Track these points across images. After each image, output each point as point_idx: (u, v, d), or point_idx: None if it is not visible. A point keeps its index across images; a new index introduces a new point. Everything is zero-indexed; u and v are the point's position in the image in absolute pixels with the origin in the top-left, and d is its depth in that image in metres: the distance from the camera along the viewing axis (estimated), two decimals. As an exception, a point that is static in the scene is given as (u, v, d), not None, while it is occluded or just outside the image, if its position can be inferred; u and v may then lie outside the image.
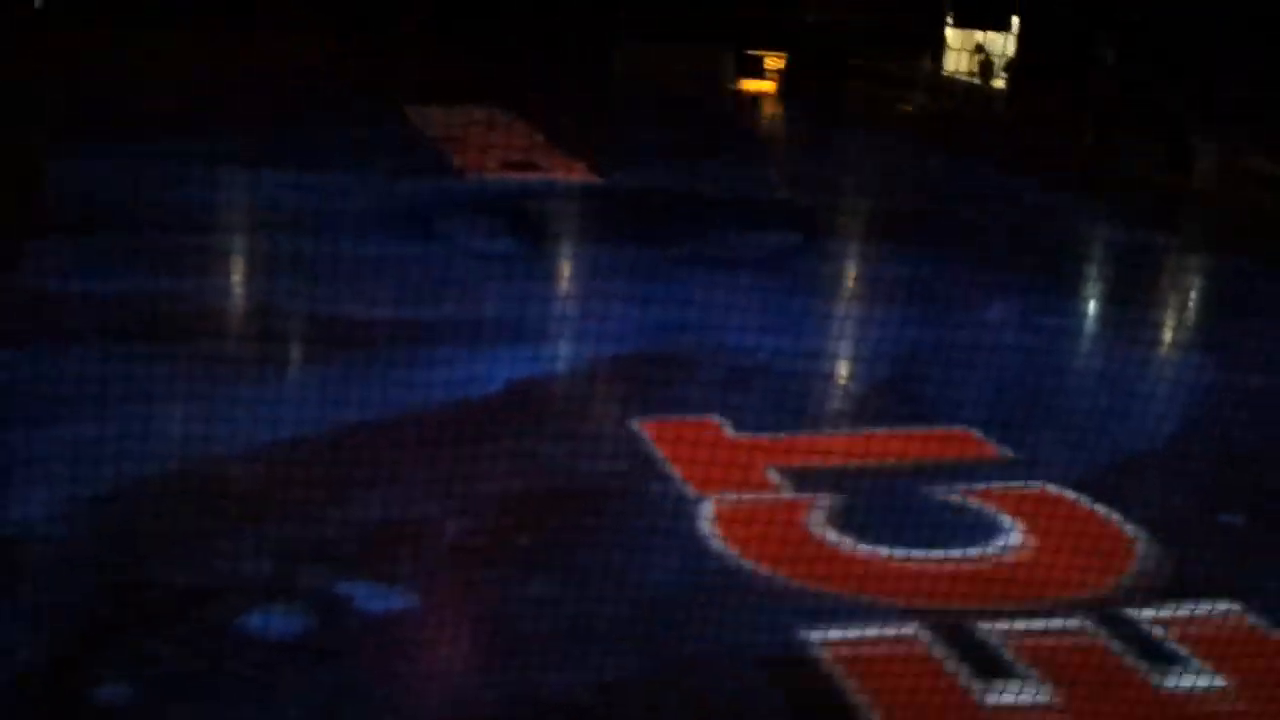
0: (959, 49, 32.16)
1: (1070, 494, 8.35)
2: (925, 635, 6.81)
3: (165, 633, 7.67)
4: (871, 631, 6.87)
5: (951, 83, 32.38)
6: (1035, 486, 8.40)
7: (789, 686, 6.61)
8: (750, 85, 33.34)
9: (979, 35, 32.28)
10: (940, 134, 27.47)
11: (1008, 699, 6.27)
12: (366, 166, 20.50)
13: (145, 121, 23.43)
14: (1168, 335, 13.40)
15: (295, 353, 12.51)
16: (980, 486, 8.44)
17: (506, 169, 22.03)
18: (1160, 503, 8.18)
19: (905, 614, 7.03)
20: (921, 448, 8.85)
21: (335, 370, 11.18)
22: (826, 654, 6.80)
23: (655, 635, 6.75)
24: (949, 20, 33.24)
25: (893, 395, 9.57)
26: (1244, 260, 17.77)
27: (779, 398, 9.19)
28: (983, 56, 31.72)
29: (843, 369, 10.58)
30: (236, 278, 15.29)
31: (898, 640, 6.74)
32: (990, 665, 6.58)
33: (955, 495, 8.28)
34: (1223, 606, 7.00)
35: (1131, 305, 14.32)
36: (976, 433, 9.17)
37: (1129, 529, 8.01)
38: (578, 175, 22.45)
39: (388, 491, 8.81)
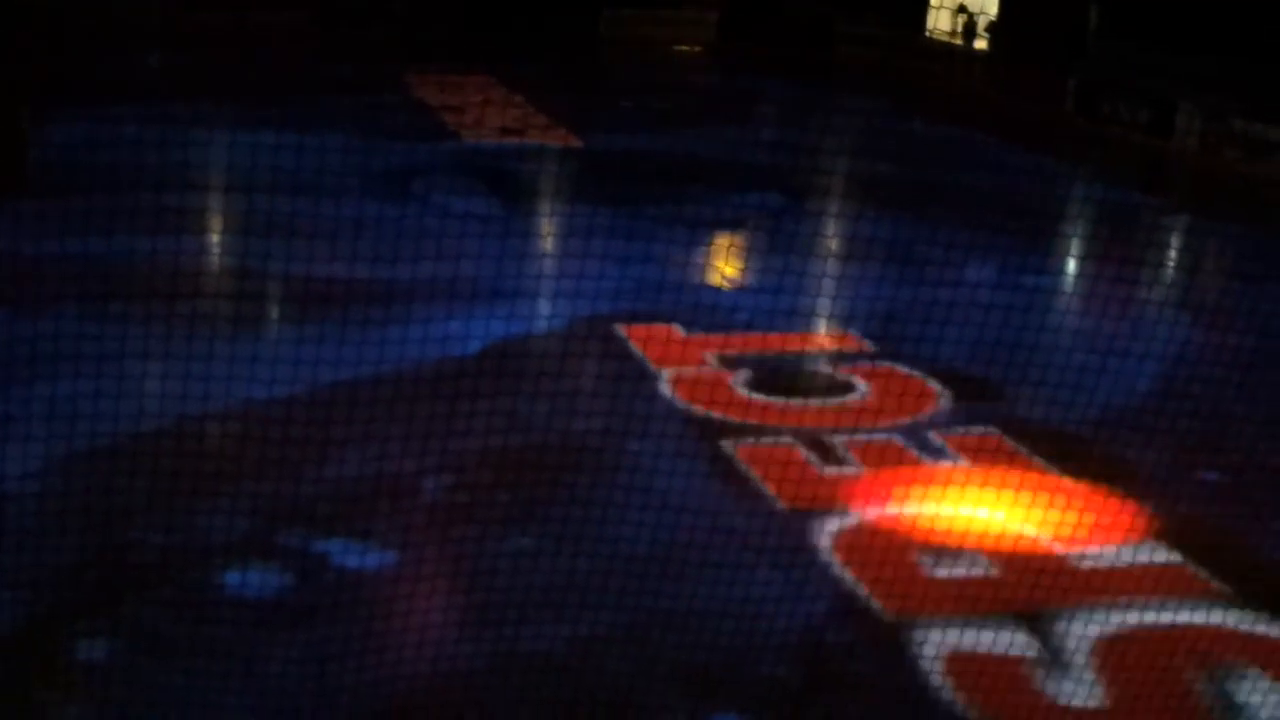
0: (939, 6, 32.10)
1: (904, 368, 11.97)
2: (798, 444, 10.48)
3: (146, 592, 7.76)
4: (766, 440, 10.54)
5: (933, 44, 32.35)
6: (884, 365, 12.10)
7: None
8: (732, 47, 33.30)
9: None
10: (923, 97, 27.49)
11: (835, 471, 10.06)
12: (361, 131, 20.60)
13: (132, 86, 23.38)
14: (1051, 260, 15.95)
15: (275, 312, 12.58)
16: (847, 365, 12.14)
17: (497, 134, 22.06)
18: (961, 369, 11.49)
19: (788, 432, 10.69)
20: (815, 343, 12.64)
21: (316, 329, 11.20)
22: (740, 455, 10.31)
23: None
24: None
25: (804, 311, 12.39)
26: (1219, 220, 17.87)
27: (722, 314, 12.12)
28: (965, 17, 31.68)
29: (774, 298, 11.28)
30: (220, 239, 15.32)
31: (778, 445, 10.46)
32: (831, 456, 10.27)
33: (830, 369, 12.07)
34: (980, 428, 10.97)
35: (1046, 239, 16.22)
36: (855, 334, 12.73)
37: (934, 384, 11.76)
38: (561, 139, 22.54)
39: (366, 450, 8.92)
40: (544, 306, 12.53)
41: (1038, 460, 10.31)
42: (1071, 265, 16.32)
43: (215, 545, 8.20)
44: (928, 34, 32.78)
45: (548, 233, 16.10)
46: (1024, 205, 18.01)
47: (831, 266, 11.40)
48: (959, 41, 31.76)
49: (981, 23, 31.35)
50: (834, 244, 14.10)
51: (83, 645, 7.27)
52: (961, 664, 7.55)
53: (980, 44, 31.28)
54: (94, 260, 11.36)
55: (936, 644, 7.67)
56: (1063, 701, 7.29)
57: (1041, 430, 10.61)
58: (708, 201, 17.44)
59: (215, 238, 15.26)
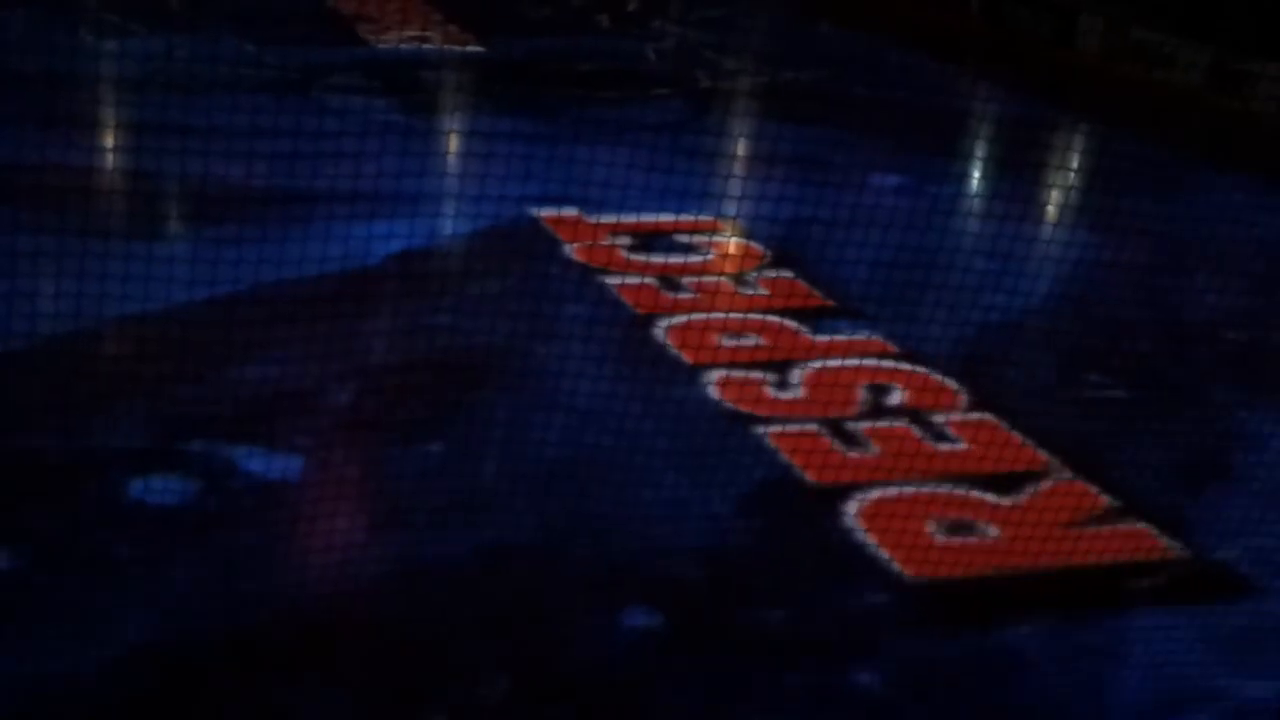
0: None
1: (756, 245, 12.58)
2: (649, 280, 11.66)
3: (46, 500, 7.65)
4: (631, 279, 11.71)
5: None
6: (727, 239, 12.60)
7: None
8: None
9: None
10: (832, 6, 27.41)
11: (674, 295, 11.39)
12: (261, 32, 20.19)
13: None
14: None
15: (175, 217, 12.38)
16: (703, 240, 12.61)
17: (402, 40, 21.83)
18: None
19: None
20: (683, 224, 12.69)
21: (218, 234, 11.05)
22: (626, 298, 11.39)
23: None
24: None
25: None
26: (1121, 131, 18.09)
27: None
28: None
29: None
30: (113, 143, 14.99)
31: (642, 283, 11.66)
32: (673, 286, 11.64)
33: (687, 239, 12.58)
34: (865, 333, 10.93)
35: (942, 149, 16.33)
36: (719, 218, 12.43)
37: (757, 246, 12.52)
38: (468, 44, 22.39)
39: (270, 358, 8.85)
40: (460, 205, 12.68)
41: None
42: (966, 175, 16.47)
43: (117, 453, 8.11)
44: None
45: (455, 135, 15.94)
46: (924, 114, 18.20)
47: (719, 166, 11.86)
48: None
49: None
50: (723, 146, 14.59)
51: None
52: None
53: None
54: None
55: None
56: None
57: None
58: (610, 104, 17.36)
59: (109, 141, 14.92)
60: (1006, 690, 6.92)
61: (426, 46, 21.90)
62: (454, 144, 15.50)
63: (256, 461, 8.19)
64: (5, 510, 7.57)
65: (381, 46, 21.78)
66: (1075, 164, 16.38)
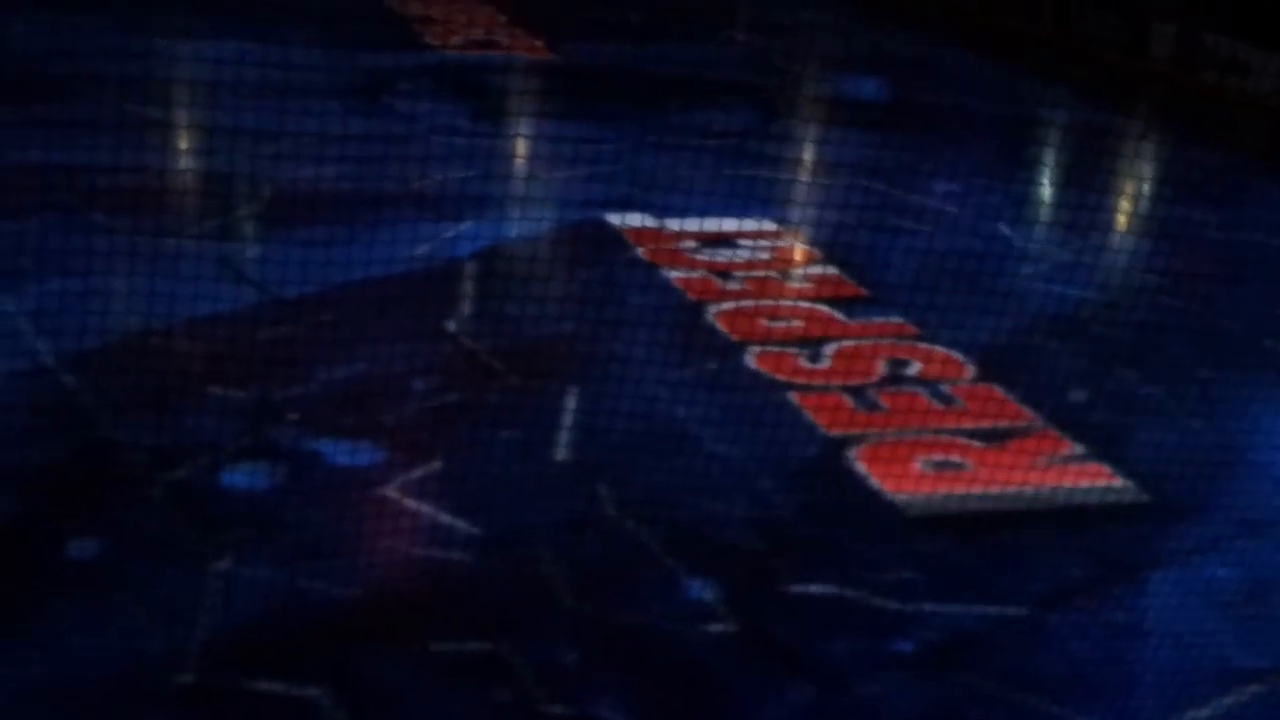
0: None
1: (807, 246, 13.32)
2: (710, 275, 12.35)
3: (135, 490, 7.86)
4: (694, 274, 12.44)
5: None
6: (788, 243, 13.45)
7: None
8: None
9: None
10: (897, 10, 27.40)
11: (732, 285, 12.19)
12: (334, 40, 20.49)
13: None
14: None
15: (260, 219, 12.63)
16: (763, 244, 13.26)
17: (469, 46, 22.02)
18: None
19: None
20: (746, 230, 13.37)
21: (296, 238, 11.30)
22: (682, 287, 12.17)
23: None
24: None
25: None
26: (1194, 141, 18.00)
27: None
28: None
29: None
30: (191, 146, 15.28)
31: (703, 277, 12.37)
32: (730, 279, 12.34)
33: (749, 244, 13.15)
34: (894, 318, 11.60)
35: (1008, 156, 16.73)
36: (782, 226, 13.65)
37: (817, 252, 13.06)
38: (535, 52, 22.54)
39: (353, 352, 9.09)
40: (531, 208, 13.02)
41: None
42: (1021, 181, 16.44)
43: (205, 445, 8.32)
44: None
45: (524, 141, 16.09)
46: (988, 121, 18.23)
47: (782, 172, 13.28)
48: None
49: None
50: (786, 152, 15.50)
51: (73, 544, 7.36)
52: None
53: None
54: (71, 169, 11.39)
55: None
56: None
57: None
58: (677, 111, 17.49)
59: (186, 144, 15.22)
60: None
61: (493, 52, 22.09)
62: (525, 149, 15.67)
63: (341, 452, 8.42)
64: (95, 501, 7.78)
65: (449, 52, 21.99)
66: (1133, 171, 16.36)
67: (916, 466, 9.09)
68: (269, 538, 7.49)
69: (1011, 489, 8.77)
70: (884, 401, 10.11)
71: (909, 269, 10.74)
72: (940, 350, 10.90)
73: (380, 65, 19.72)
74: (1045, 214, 15.59)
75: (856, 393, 10.15)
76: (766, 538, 8.16)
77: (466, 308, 10.99)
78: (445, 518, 7.81)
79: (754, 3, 28.54)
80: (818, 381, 10.38)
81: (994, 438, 9.59)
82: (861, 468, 9.10)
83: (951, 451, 9.36)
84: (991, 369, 10.66)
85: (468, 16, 24.35)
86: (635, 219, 13.02)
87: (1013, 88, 21.45)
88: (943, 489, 8.75)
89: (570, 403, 9.41)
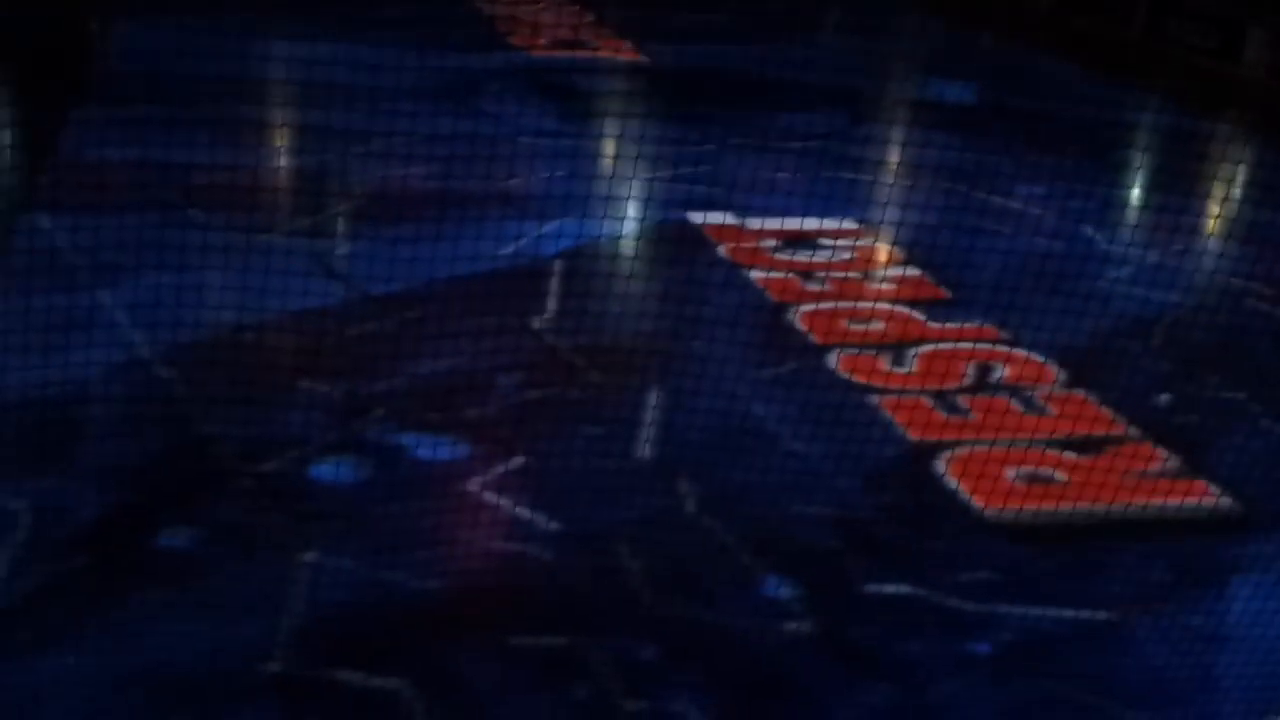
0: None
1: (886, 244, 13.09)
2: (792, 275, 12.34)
3: (226, 484, 8.04)
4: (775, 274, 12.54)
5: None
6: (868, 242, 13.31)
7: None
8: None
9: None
10: (989, 16, 27.19)
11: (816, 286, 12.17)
12: (424, 42, 20.74)
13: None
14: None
15: (350, 217, 12.83)
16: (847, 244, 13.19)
17: (556, 46, 22.15)
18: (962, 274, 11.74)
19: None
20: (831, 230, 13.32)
21: (385, 236, 11.48)
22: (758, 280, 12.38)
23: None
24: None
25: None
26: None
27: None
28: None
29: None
30: (285, 146, 15.54)
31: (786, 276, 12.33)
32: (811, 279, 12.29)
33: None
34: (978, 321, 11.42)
35: (1098, 162, 16.52)
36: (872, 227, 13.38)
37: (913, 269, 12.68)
38: (622, 53, 22.63)
39: (438, 349, 9.23)
40: (619, 208, 12.94)
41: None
42: (1107, 186, 16.25)
43: (294, 439, 8.49)
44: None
45: (613, 142, 16.20)
46: (1078, 126, 18.04)
47: (867, 174, 13.31)
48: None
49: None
50: (872, 155, 15.34)
51: (165, 534, 7.55)
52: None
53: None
54: (169, 167, 11.66)
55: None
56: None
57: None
58: (765, 114, 17.51)
59: (281, 144, 15.48)
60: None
61: (580, 53, 22.21)
62: (612, 150, 15.76)
63: (425, 447, 8.54)
64: (187, 493, 7.97)
65: (536, 54, 22.15)
66: (1221, 175, 16.14)
67: (1007, 479, 8.93)
68: (355, 531, 7.64)
69: (1103, 505, 8.62)
70: (970, 407, 10.02)
71: (993, 271, 10.62)
72: (1026, 355, 10.78)
73: (468, 66, 19.92)
74: (1131, 218, 15.41)
75: (942, 398, 10.09)
76: (845, 538, 8.20)
77: (552, 305, 11.09)
78: (526, 513, 7.93)
79: (841, 5, 28.48)
80: (902, 385, 10.34)
81: (1085, 448, 9.43)
82: (949, 477, 9.01)
83: (1043, 463, 9.20)
84: (1079, 374, 10.53)
85: (555, 17, 24.52)
86: (719, 218, 13.14)
87: (1102, 92, 21.22)
88: (1033, 504, 8.58)
89: (652, 400, 9.48)
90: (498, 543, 7.61)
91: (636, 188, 13.42)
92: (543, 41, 22.80)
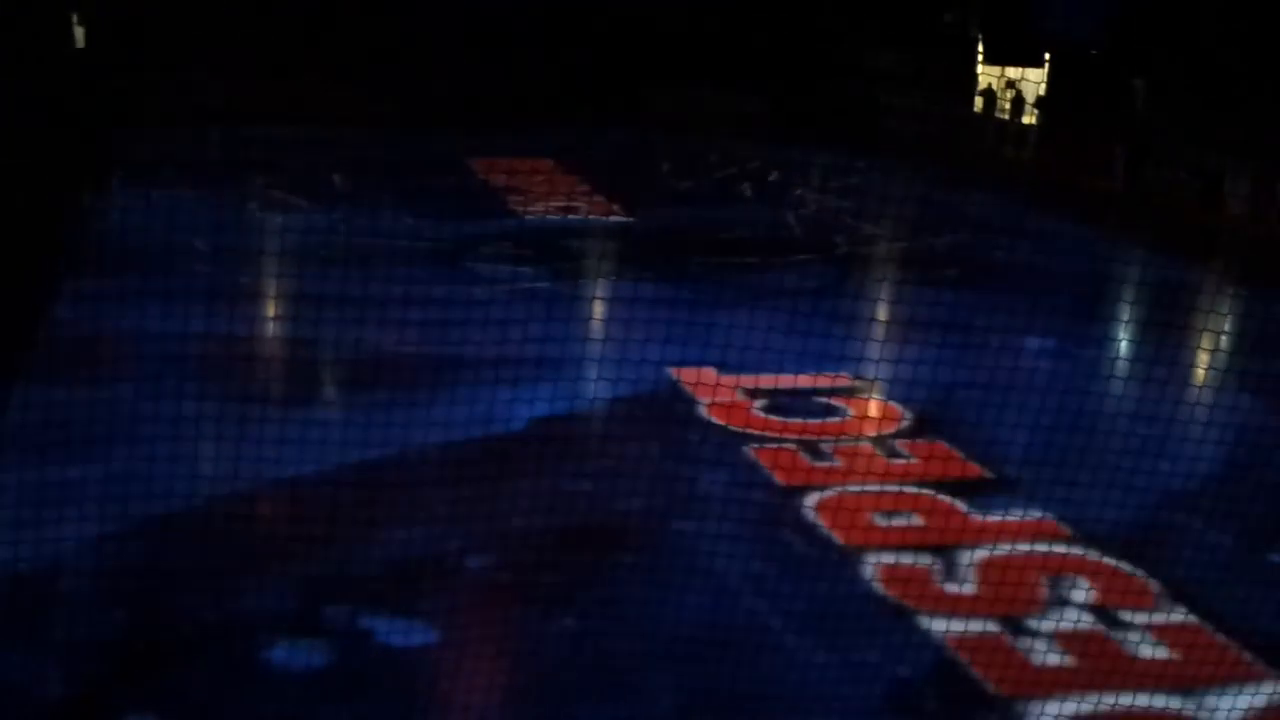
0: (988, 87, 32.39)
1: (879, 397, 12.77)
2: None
3: (192, 664, 7.88)
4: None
5: (980, 118, 32.48)
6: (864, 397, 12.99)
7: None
8: (780, 121, 33.54)
9: (1010, 72, 32.38)
10: (973, 171, 27.60)
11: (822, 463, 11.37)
12: (423, 209, 21.18)
13: (192, 164, 24.02)
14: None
15: (326, 387, 12.81)
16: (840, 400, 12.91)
17: (550, 211, 22.64)
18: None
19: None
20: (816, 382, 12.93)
21: (368, 405, 11.44)
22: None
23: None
24: (980, 57, 33.35)
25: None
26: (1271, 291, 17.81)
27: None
28: (1013, 93, 31.78)
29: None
30: (275, 314, 15.63)
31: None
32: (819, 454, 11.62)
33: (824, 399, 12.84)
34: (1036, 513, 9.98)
35: (1078, 312, 16.01)
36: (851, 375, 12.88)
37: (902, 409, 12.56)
38: (613, 215, 22.91)
39: (412, 522, 9.08)
40: (603, 370, 12.60)
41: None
42: (1108, 338, 16.24)
43: (261, 619, 8.33)
44: (975, 109, 33.01)
45: (600, 302, 16.27)
46: (1065, 277, 18.13)
47: (857, 328, 12.26)
48: (1006, 116, 31.90)
49: (1029, 97, 31.45)
50: (861, 309, 14.87)
51: (130, 717, 7.38)
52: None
53: (1028, 119, 31.39)
54: (151, 336, 11.69)
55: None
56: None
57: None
58: (752, 270, 17.61)
59: (271, 311, 15.57)
60: None
61: (573, 216, 22.55)
62: (598, 310, 15.84)
63: (394, 633, 8.26)
64: (153, 671, 7.81)
65: (530, 217, 22.47)
66: (1225, 326, 16.05)
67: None
68: (318, 716, 7.42)
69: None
70: (1064, 649, 8.04)
71: (1029, 442, 9.12)
72: (1112, 564, 9.11)
73: (464, 231, 20.18)
74: (1146, 372, 14.65)
75: (1022, 630, 8.23)
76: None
77: (532, 480, 10.79)
78: (493, 710, 7.59)
79: (826, 166, 28.93)
80: (970, 612, 8.40)
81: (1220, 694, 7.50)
82: None
83: None
84: (1181, 589, 8.76)
85: (550, 185, 24.95)
86: (708, 374, 12.44)
87: (1088, 243, 21.41)
88: None
89: (635, 590, 8.80)
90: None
91: (621, 348, 13.44)
92: (538, 206, 23.18)
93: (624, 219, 22.82)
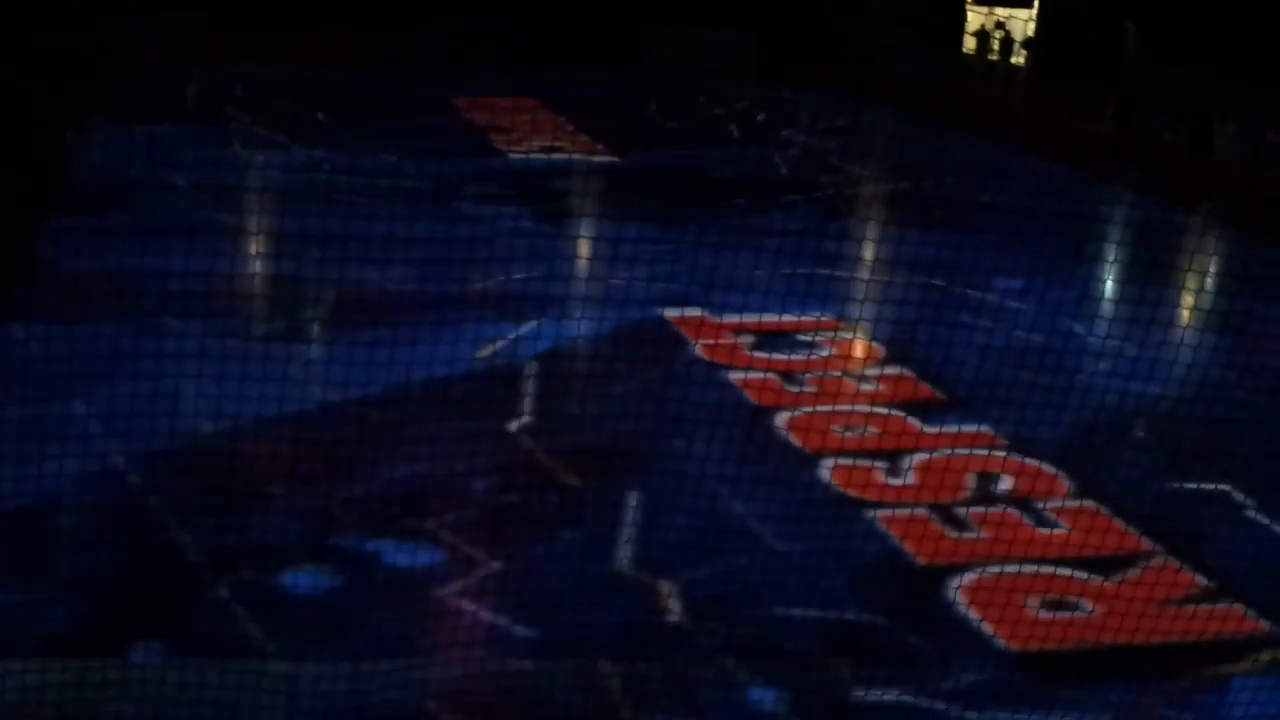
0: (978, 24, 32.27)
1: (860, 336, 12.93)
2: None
3: (200, 593, 7.92)
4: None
5: (972, 62, 32.36)
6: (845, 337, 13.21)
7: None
8: (772, 62, 33.39)
9: (999, 13, 32.24)
10: (962, 114, 27.52)
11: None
12: (402, 145, 21.08)
13: (176, 104, 23.92)
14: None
15: (324, 322, 12.80)
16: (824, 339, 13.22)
17: (535, 150, 22.56)
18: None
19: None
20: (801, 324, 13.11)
21: (363, 340, 11.43)
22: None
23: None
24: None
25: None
26: (1256, 237, 17.88)
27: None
28: (1002, 34, 31.66)
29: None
30: (261, 251, 15.57)
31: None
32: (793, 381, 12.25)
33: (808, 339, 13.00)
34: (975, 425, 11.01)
35: (1065, 255, 16.01)
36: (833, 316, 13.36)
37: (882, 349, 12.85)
38: (598, 155, 22.84)
39: (414, 453, 9.14)
40: (593, 307, 12.78)
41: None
42: (1082, 279, 16.25)
43: (268, 546, 8.38)
44: (965, 51, 32.89)
45: (588, 242, 16.25)
46: (1049, 219, 18.15)
47: (841, 269, 13.26)
48: (996, 58, 31.79)
49: (1018, 39, 31.33)
50: (845, 250, 15.56)
51: (138, 646, 7.42)
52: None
53: (1017, 60, 31.27)
54: (144, 274, 11.66)
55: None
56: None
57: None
58: (737, 211, 17.61)
59: (257, 249, 15.51)
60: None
61: (558, 156, 22.44)
62: (587, 249, 15.82)
63: (401, 554, 8.41)
64: (161, 602, 7.85)
65: (514, 156, 22.36)
66: (1199, 267, 16.10)
67: (1030, 609, 8.12)
68: (329, 640, 7.50)
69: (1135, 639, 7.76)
70: (977, 523, 9.31)
71: (986, 371, 9.83)
72: (1032, 464, 10.19)
73: (448, 170, 20.09)
74: (1114, 311, 15.22)
75: (946, 513, 9.42)
76: (832, 643, 7.81)
77: (528, 408, 10.99)
78: (504, 621, 7.76)
79: (812, 107, 28.83)
80: (901, 498, 9.66)
81: (1109, 569, 8.67)
82: (966, 608, 8.22)
83: (1067, 589, 8.40)
84: (1090, 484, 9.91)
85: (535, 124, 24.84)
86: (694, 315, 13.03)
87: (1074, 186, 21.41)
88: (1056, 635, 7.80)
89: (632, 503, 9.28)
90: (474, 653, 7.42)
91: (612, 286, 13.48)
92: (523, 146, 23.06)
93: (609, 158, 22.74)
